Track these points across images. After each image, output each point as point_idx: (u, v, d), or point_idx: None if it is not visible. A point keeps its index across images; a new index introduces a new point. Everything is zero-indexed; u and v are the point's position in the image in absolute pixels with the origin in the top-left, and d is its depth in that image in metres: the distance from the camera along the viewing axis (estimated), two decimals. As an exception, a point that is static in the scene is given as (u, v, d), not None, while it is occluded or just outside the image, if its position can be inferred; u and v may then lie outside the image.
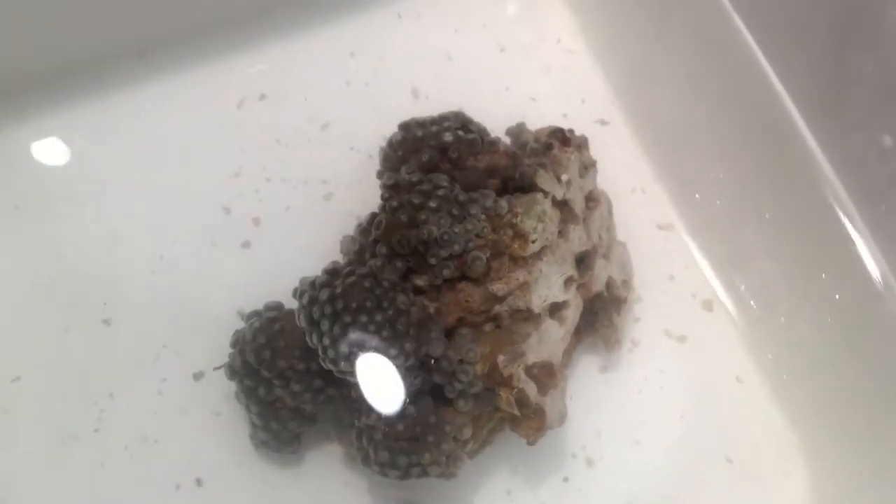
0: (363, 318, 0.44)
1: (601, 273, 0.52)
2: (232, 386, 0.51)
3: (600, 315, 0.53)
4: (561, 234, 0.50)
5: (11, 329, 0.53)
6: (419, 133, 0.50)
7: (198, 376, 0.53)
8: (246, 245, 0.57)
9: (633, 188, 0.59)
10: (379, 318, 0.44)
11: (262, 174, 0.59)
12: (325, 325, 0.44)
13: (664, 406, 0.54)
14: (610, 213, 0.54)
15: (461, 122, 0.51)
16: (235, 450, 0.52)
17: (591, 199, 0.53)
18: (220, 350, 0.50)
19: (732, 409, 0.55)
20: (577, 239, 0.50)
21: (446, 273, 0.46)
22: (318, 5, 0.62)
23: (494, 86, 0.61)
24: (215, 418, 0.52)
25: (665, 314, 0.56)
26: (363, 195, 0.58)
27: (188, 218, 0.57)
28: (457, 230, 0.45)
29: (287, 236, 0.57)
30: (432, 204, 0.46)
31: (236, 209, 0.57)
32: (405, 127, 0.51)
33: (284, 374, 0.48)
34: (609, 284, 0.53)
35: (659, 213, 0.59)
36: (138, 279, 0.55)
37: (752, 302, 0.56)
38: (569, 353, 0.52)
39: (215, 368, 0.52)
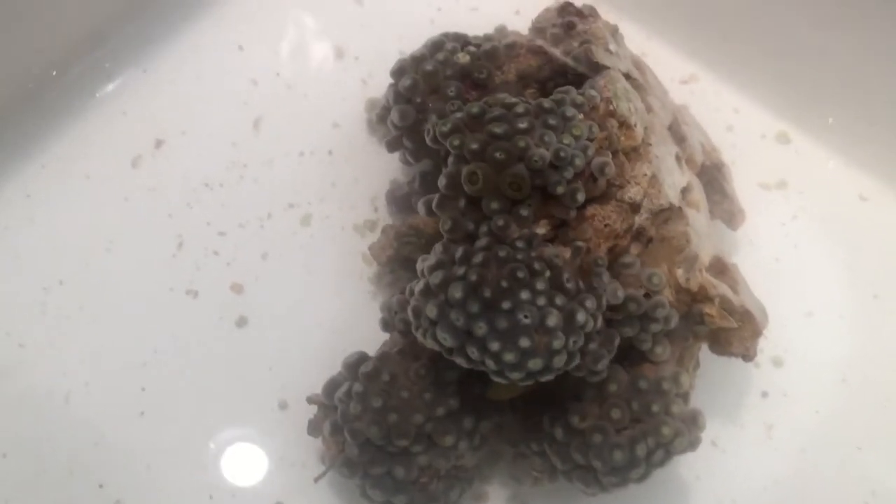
0: (525, 295, 0.33)
1: (694, 140, 0.43)
2: (340, 487, 0.39)
3: (712, 189, 0.44)
4: (647, 109, 0.41)
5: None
6: (428, 67, 0.39)
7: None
8: (241, 323, 0.43)
9: (643, 52, 0.50)
10: (541, 284, 0.33)
11: (210, 230, 0.46)
12: (480, 329, 0.32)
13: (815, 260, 0.47)
14: (654, 76, 0.46)
15: (461, 40, 0.41)
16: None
17: (635, 64, 0.44)
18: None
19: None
20: (659, 110, 0.42)
21: (580, 197, 0.35)
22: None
23: (426, 12, 0.50)
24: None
25: (747, 168, 0.48)
26: (348, 197, 0.47)
27: (153, 320, 0.44)
28: (567, 142, 0.35)
29: (283, 288, 0.45)
30: (522, 125, 0.35)
31: (203, 286, 0.45)
32: (403, 69, 0.40)
33: (424, 431, 0.36)
34: (704, 149, 0.44)
35: (676, 69, 0.51)
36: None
37: (830, 119, 0.49)
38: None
39: (316, 479, 0.39)
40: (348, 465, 0.38)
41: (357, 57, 0.49)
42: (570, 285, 0.34)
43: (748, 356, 0.39)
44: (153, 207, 0.46)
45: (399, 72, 0.40)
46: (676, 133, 0.43)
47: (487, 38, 0.41)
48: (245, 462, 0.42)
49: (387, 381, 0.37)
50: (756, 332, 0.39)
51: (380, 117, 0.42)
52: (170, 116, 0.47)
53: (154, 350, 0.43)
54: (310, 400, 0.40)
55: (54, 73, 0.46)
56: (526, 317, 0.33)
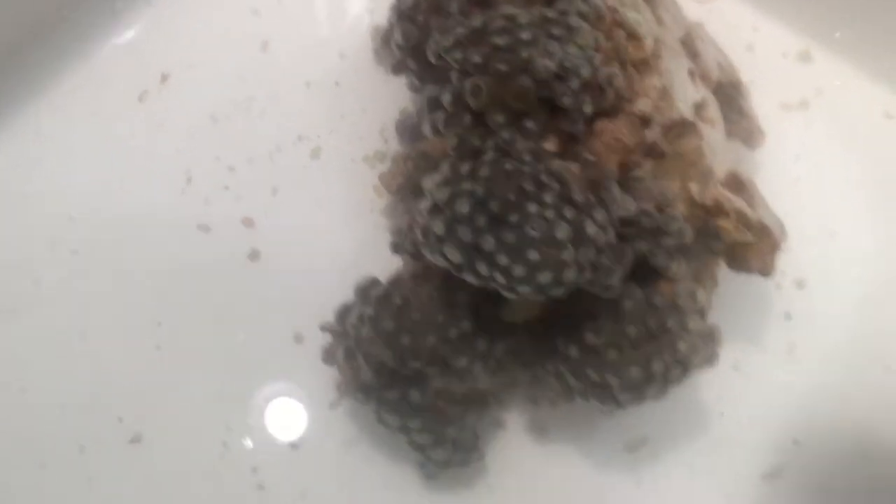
0: (532, 208, 0.33)
1: (708, 57, 0.43)
2: (357, 414, 0.39)
3: (729, 108, 0.44)
4: (658, 21, 0.40)
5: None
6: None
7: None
8: (254, 256, 0.44)
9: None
10: (549, 197, 0.33)
11: (219, 165, 0.46)
12: (488, 243, 0.32)
13: (839, 180, 0.47)
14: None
15: None
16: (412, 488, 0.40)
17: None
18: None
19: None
20: (671, 23, 0.41)
21: (587, 109, 0.35)
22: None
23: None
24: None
25: (767, 85, 0.47)
26: (357, 129, 0.47)
27: (165, 255, 0.44)
28: (572, 51, 0.35)
29: (295, 221, 0.45)
30: (525, 36, 0.35)
31: (215, 221, 0.45)
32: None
33: (437, 352, 0.36)
34: (721, 67, 0.44)
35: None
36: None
37: (838, 34, 0.49)
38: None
39: (333, 406, 0.39)
40: (363, 390, 0.38)
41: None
42: (579, 198, 0.34)
43: (767, 272, 0.38)
44: (161, 142, 0.46)
45: None
46: (690, 48, 0.42)
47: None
48: (261, 394, 0.42)
49: (399, 305, 0.37)
50: (774, 247, 0.38)
51: (384, 40, 0.42)
52: (175, 51, 0.47)
53: (167, 284, 0.44)
54: (323, 327, 0.40)
55: (64, 12, 0.46)
56: (534, 229, 0.33)
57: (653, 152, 0.37)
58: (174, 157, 0.46)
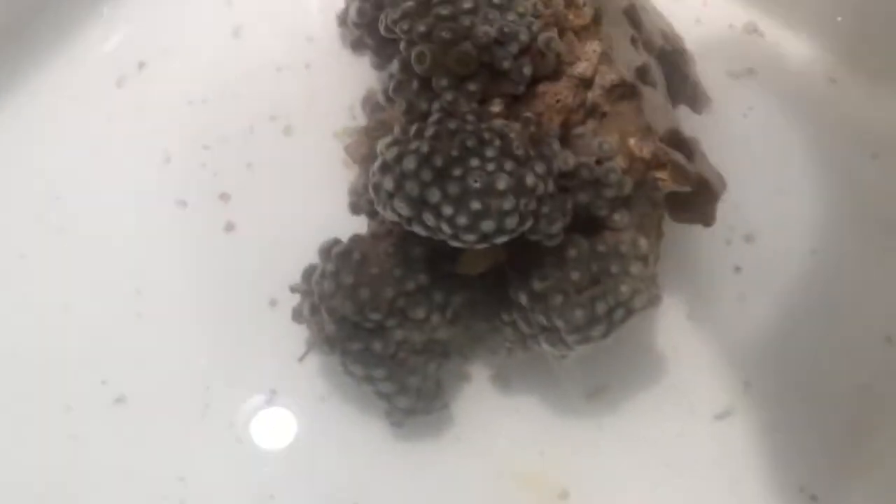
0: (474, 162, 0.35)
1: (651, 25, 0.45)
2: (327, 369, 0.42)
3: (673, 73, 0.46)
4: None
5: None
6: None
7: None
8: (229, 228, 0.47)
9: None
10: (490, 152, 0.36)
11: (195, 144, 0.49)
12: (433, 196, 0.35)
13: (785, 142, 0.49)
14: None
15: None
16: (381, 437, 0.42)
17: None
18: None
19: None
20: (611, -9, 0.44)
21: (527, 71, 0.38)
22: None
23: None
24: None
25: (715, 55, 0.50)
26: (327, 108, 0.49)
27: (145, 229, 0.47)
28: (511, 18, 0.37)
29: (269, 194, 0.48)
30: (467, 5, 0.38)
31: (192, 196, 0.48)
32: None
33: (396, 304, 0.39)
34: (665, 36, 0.46)
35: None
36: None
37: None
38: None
39: (300, 359, 0.42)
40: (328, 343, 0.40)
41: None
42: (519, 152, 0.36)
43: (708, 222, 0.41)
44: (140, 125, 0.49)
45: None
46: (632, 17, 0.45)
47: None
48: (239, 355, 0.45)
49: (358, 260, 0.40)
50: (713, 197, 0.41)
51: (341, 19, 0.45)
52: (152, 39, 0.50)
53: (147, 256, 0.47)
54: (292, 288, 0.43)
55: (44, 4, 0.50)
56: (476, 181, 0.35)
57: (594, 112, 0.40)
58: (152, 138, 0.48)
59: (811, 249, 0.46)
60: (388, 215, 0.37)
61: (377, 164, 0.37)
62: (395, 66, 0.39)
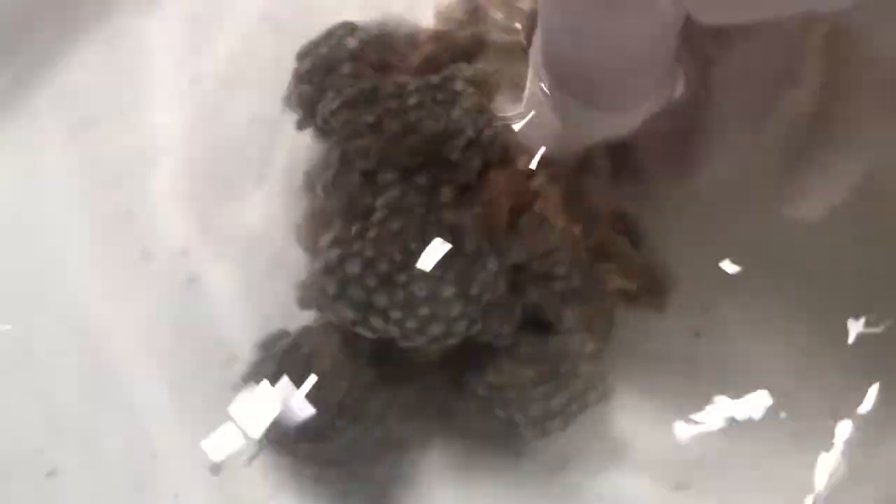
0: (419, 267, 0.35)
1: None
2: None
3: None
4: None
5: None
6: (323, 51, 0.41)
7: None
8: (190, 282, 0.47)
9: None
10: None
11: (158, 198, 0.49)
12: (380, 301, 0.35)
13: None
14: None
15: (349, 29, 0.43)
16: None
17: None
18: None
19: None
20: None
21: (475, 163, 0.38)
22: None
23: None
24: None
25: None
26: (282, 175, 0.49)
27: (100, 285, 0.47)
28: (457, 114, 0.37)
29: (229, 252, 0.47)
30: (412, 101, 0.37)
31: (155, 249, 0.47)
32: (304, 54, 0.42)
33: (347, 401, 0.39)
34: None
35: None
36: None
37: None
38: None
39: (249, 461, 0.41)
40: (278, 443, 0.40)
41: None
42: (469, 248, 0.36)
43: (661, 310, 0.41)
44: (97, 180, 0.48)
45: (300, 55, 0.42)
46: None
47: (381, 25, 0.43)
48: (186, 420, 0.44)
49: (306, 355, 0.39)
50: (662, 289, 0.40)
51: (285, 101, 0.44)
52: (106, 95, 0.50)
53: (106, 312, 0.46)
54: (244, 379, 0.42)
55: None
56: (422, 289, 0.35)
57: (540, 199, 0.40)
58: (111, 193, 0.48)
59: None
60: (333, 317, 0.37)
61: (319, 264, 0.37)
62: (333, 156, 0.38)
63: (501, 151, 0.39)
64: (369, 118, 0.37)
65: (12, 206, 0.49)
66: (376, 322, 0.35)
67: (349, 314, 0.36)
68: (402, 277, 0.35)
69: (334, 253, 0.36)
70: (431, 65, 0.42)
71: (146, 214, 0.48)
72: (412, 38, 0.43)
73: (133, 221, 0.48)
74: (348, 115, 0.37)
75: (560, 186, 0.40)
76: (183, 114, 0.50)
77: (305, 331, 0.40)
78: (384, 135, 0.36)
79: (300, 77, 0.42)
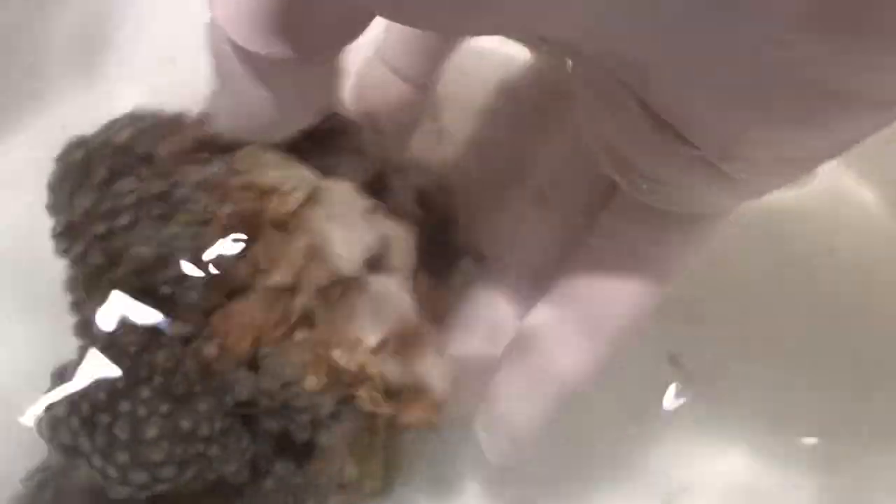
0: (125, 407, 0.33)
1: (403, 182, 0.41)
2: None
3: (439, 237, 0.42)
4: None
5: None
6: (78, 155, 0.38)
7: None
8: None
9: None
10: (145, 394, 0.33)
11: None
12: (84, 445, 0.33)
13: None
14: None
15: (134, 118, 0.40)
16: None
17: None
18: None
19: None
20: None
21: (193, 297, 0.34)
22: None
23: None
24: None
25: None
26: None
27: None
28: (173, 231, 0.34)
29: None
30: (123, 221, 0.34)
31: None
32: (62, 157, 0.39)
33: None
34: (425, 195, 0.42)
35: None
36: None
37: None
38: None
39: None
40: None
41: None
42: (179, 389, 0.33)
43: (435, 427, 0.37)
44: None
45: (59, 158, 0.39)
46: (380, 179, 0.41)
47: (153, 113, 0.40)
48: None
49: (50, 499, 0.37)
50: (434, 406, 0.37)
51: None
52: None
53: None
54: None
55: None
56: (122, 430, 0.33)
57: (306, 320, 0.37)
58: None
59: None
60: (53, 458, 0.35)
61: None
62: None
63: (245, 271, 0.35)
64: (79, 247, 0.34)
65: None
66: (83, 467, 0.33)
67: (62, 457, 0.34)
68: (104, 418, 0.33)
69: (49, 395, 0.34)
70: (204, 146, 0.39)
71: None
72: (177, 121, 0.39)
73: None
74: (66, 241, 0.35)
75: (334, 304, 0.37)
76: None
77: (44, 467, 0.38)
78: (86, 269, 0.34)
79: (51, 187, 0.40)
